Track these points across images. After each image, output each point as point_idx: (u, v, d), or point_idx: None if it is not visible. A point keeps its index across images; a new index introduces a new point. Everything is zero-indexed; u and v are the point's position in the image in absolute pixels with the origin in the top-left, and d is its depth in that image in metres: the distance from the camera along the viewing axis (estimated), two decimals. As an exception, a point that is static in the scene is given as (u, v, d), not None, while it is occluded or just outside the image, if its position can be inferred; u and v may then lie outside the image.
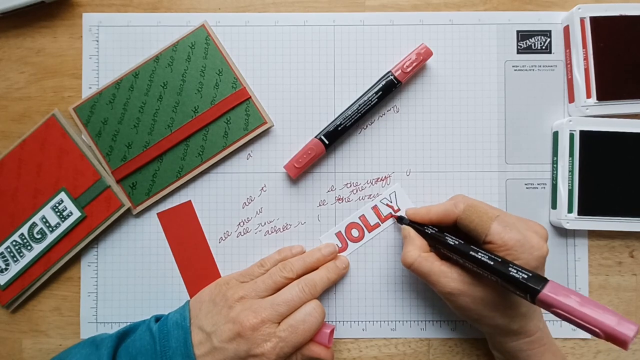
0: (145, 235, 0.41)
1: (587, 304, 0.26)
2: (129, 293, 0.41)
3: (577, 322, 0.26)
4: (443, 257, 0.35)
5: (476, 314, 0.33)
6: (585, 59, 0.39)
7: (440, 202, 0.38)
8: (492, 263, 0.30)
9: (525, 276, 0.28)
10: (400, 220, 0.40)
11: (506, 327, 0.33)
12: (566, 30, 0.41)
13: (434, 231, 0.36)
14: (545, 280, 0.28)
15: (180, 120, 0.41)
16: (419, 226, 0.37)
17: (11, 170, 0.40)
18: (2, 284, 0.40)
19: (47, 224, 0.40)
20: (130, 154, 0.40)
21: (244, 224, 0.41)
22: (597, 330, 0.25)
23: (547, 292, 0.27)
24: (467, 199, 0.35)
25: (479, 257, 0.31)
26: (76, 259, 0.41)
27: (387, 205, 0.41)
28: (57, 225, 0.40)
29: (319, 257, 0.39)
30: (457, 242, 0.33)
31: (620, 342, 0.24)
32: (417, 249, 0.35)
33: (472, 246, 0.32)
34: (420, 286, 0.41)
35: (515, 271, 0.29)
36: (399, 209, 0.41)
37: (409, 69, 0.40)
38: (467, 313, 0.34)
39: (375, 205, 0.41)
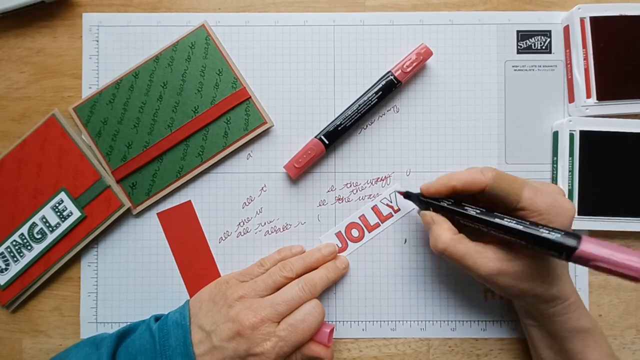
0: (145, 235, 0.41)
1: (623, 251, 0.27)
2: (129, 293, 0.41)
3: (616, 271, 0.26)
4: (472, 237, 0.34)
5: (517, 290, 0.33)
6: (585, 59, 0.39)
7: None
8: (521, 227, 0.30)
9: (559, 235, 0.28)
10: (407, 196, 0.38)
11: (546, 294, 0.33)
12: (566, 30, 0.41)
13: (450, 203, 0.34)
14: (578, 237, 0.28)
15: (180, 120, 0.41)
16: (432, 201, 0.35)
17: (11, 170, 0.40)
18: (2, 284, 0.40)
19: (47, 224, 0.40)
20: (130, 154, 0.41)
21: (244, 224, 0.41)
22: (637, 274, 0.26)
23: (583, 248, 0.27)
24: (492, 168, 0.33)
25: (506, 223, 0.30)
26: (76, 259, 0.41)
27: (387, 205, 0.41)
28: (57, 225, 0.40)
29: (318, 257, 0.39)
30: (479, 211, 0.32)
31: None
32: (448, 231, 0.33)
33: (495, 213, 0.32)
34: (420, 286, 0.41)
35: (547, 232, 0.29)
36: (398, 209, 0.41)
37: (409, 69, 0.40)
38: (509, 291, 0.33)
39: (375, 205, 0.41)
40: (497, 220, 0.31)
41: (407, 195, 0.38)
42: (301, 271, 0.37)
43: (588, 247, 0.27)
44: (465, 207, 0.33)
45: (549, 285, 0.33)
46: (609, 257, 0.26)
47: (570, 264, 0.41)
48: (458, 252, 0.33)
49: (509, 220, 0.31)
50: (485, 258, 0.32)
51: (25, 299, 0.41)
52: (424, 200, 0.36)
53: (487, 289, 0.41)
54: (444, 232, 0.34)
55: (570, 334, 0.34)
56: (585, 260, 0.27)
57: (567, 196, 0.39)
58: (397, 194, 0.40)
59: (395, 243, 0.41)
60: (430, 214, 0.35)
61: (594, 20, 0.39)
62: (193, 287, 0.41)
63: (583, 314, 0.34)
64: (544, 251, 0.29)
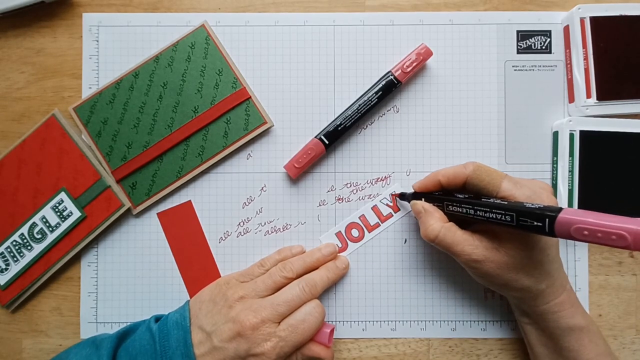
0: (145, 235, 0.41)
1: (604, 214, 0.26)
2: (129, 293, 0.41)
3: (602, 232, 0.25)
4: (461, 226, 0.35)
5: (502, 279, 0.33)
6: (585, 59, 0.39)
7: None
8: (506, 203, 0.30)
9: (541, 205, 0.28)
10: (402, 197, 0.40)
11: (533, 288, 0.33)
12: (566, 30, 0.41)
13: (440, 193, 0.36)
14: (559, 208, 0.28)
15: (180, 120, 0.41)
16: (425, 196, 0.37)
17: (11, 170, 0.40)
18: (2, 284, 0.40)
19: (47, 224, 0.40)
20: (130, 154, 0.40)
21: (244, 224, 0.41)
22: (625, 233, 0.24)
23: (565, 213, 0.26)
24: (474, 162, 0.35)
25: (492, 201, 0.31)
26: (76, 259, 0.41)
27: (387, 205, 0.41)
28: (57, 225, 0.40)
29: (319, 257, 0.39)
30: (467, 196, 0.34)
31: None
32: (438, 220, 0.35)
33: (482, 197, 0.33)
34: (420, 286, 0.41)
35: (530, 205, 0.29)
36: (398, 209, 0.41)
37: (409, 69, 0.40)
38: (493, 279, 0.34)
39: (375, 205, 0.41)
40: (483, 200, 0.32)
41: (402, 196, 0.40)
42: (301, 271, 0.37)
43: (569, 212, 0.26)
44: (455, 195, 0.35)
45: (536, 279, 0.33)
46: (592, 220, 0.25)
47: (570, 267, 0.41)
48: (447, 239, 0.34)
49: (493, 199, 0.32)
50: (472, 245, 0.33)
51: (25, 299, 0.41)
52: (417, 198, 0.37)
53: (487, 289, 0.41)
54: (435, 220, 0.35)
55: (564, 332, 0.34)
56: (568, 226, 0.26)
57: (566, 196, 0.39)
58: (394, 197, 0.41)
59: (395, 243, 0.41)
60: (421, 203, 0.36)
61: (594, 20, 0.39)
62: (193, 287, 0.41)
63: (577, 312, 0.34)
64: (527, 225, 0.29)
